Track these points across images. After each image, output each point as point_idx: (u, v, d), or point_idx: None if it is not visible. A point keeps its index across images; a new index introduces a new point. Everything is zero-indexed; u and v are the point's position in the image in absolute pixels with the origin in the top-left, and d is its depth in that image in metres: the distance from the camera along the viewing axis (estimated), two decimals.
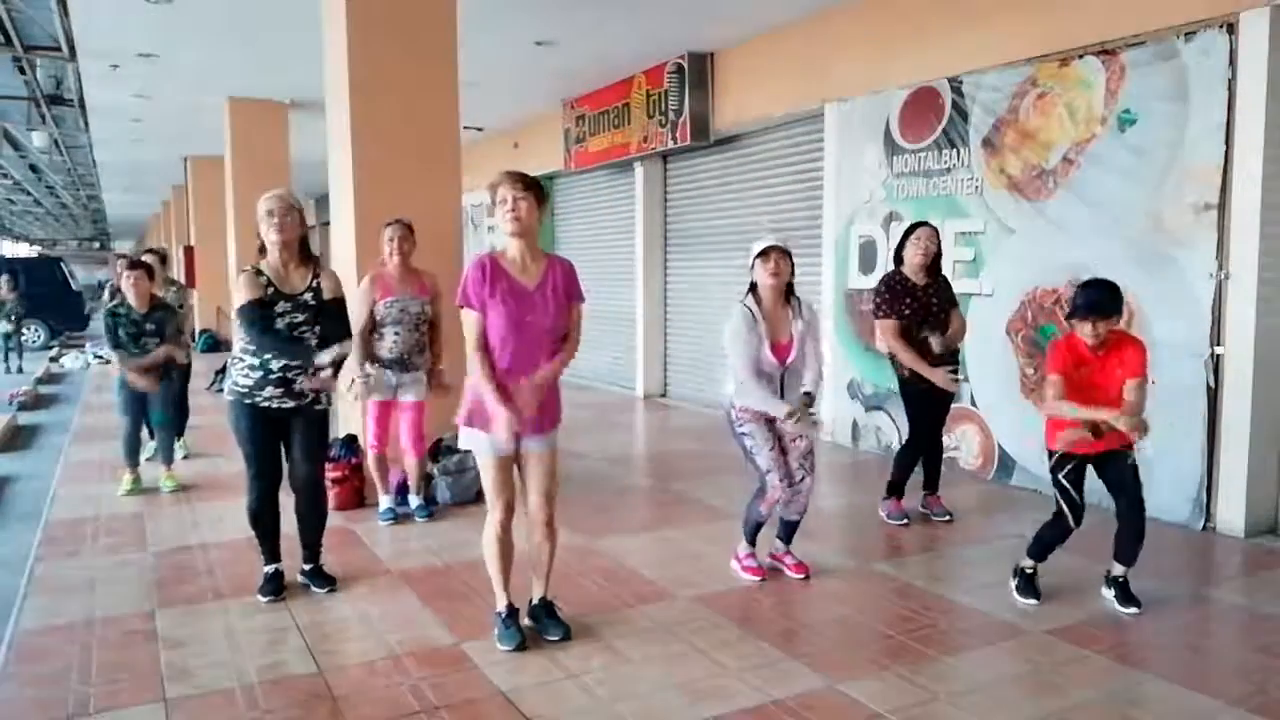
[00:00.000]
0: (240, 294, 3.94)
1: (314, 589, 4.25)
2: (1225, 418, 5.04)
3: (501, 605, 3.65)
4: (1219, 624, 3.97)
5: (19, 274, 17.46)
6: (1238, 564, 4.73)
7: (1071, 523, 4.00)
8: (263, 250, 4.03)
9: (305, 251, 4.08)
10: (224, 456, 7.17)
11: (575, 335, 3.59)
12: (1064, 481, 3.96)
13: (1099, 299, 3.77)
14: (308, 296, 4.02)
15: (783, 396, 4.17)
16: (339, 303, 4.14)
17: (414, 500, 5.47)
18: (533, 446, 3.57)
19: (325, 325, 4.05)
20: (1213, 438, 5.10)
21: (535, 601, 3.75)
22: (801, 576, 4.38)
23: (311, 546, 4.31)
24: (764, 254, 4.14)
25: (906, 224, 5.41)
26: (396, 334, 5.10)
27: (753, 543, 4.42)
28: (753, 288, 4.21)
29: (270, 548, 4.22)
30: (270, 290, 3.95)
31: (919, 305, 5.06)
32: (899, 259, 5.18)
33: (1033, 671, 3.41)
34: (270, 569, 4.21)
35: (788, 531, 4.43)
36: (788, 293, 4.20)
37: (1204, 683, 3.30)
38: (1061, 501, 3.99)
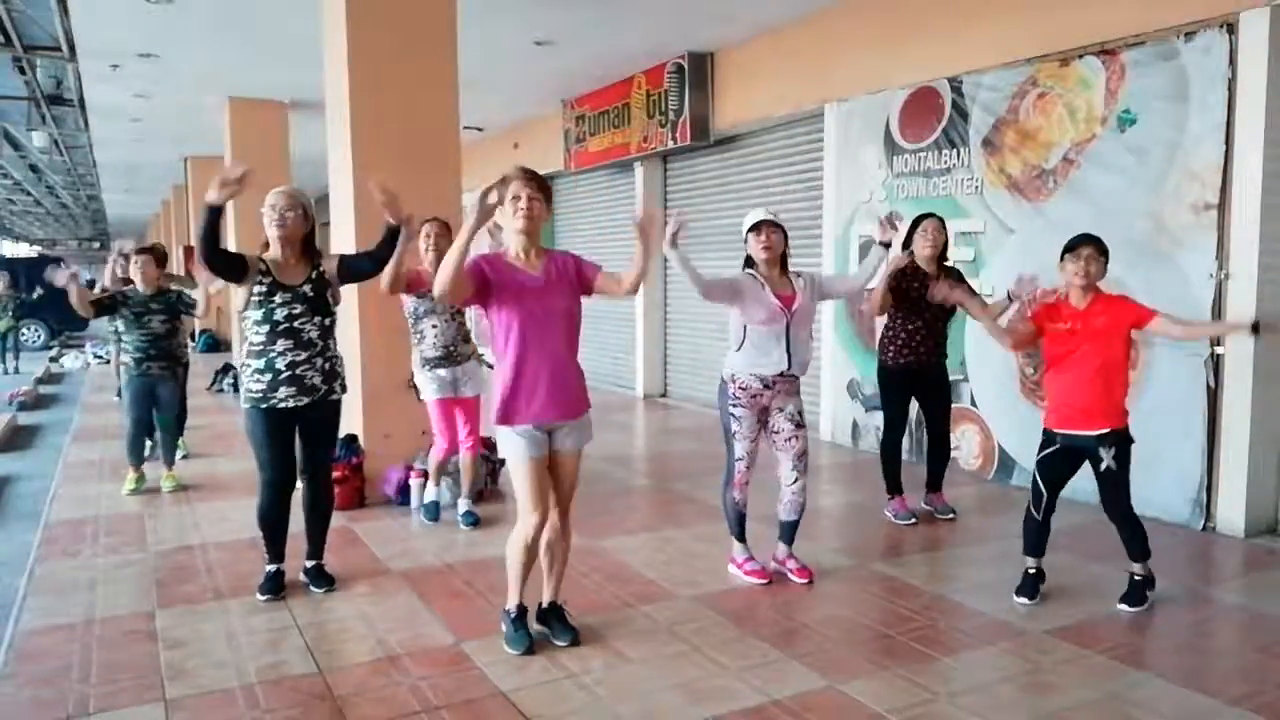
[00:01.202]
0: None
1: (313, 588, 4.25)
2: (1225, 418, 5.04)
3: (513, 604, 3.62)
4: (1219, 624, 3.97)
5: (19, 273, 17.48)
6: (1238, 564, 4.73)
7: (1034, 510, 4.03)
8: (268, 245, 4.04)
9: (308, 249, 4.09)
10: (224, 456, 7.17)
11: (628, 274, 3.48)
12: (1035, 468, 4.03)
13: (1089, 236, 3.89)
14: (306, 288, 4.03)
15: (790, 353, 4.13)
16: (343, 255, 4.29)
17: (463, 504, 5.40)
18: (566, 446, 3.54)
19: (363, 260, 4.19)
20: (1213, 438, 5.10)
21: (545, 605, 3.73)
22: (805, 582, 4.33)
23: (316, 542, 4.32)
24: (756, 227, 4.17)
25: (907, 224, 5.41)
26: (435, 326, 5.14)
27: (742, 539, 4.37)
28: (749, 261, 4.23)
29: (276, 549, 4.22)
30: (269, 280, 3.95)
31: (925, 291, 5.06)
32: (907, 253, 5.19)
33: (1033, 671, 3.41)
34: (272, 568, 4.22)
35: (789, 533, 4.39)
36: (784, 266, 4.22)
37: (1204, 683, 3.30)
38: (1030, 486, 4.05)
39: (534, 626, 3.69)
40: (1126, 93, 5.37)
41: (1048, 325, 3.96)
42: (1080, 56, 5.60)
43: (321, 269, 4.10)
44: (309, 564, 4.32)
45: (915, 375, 5.23)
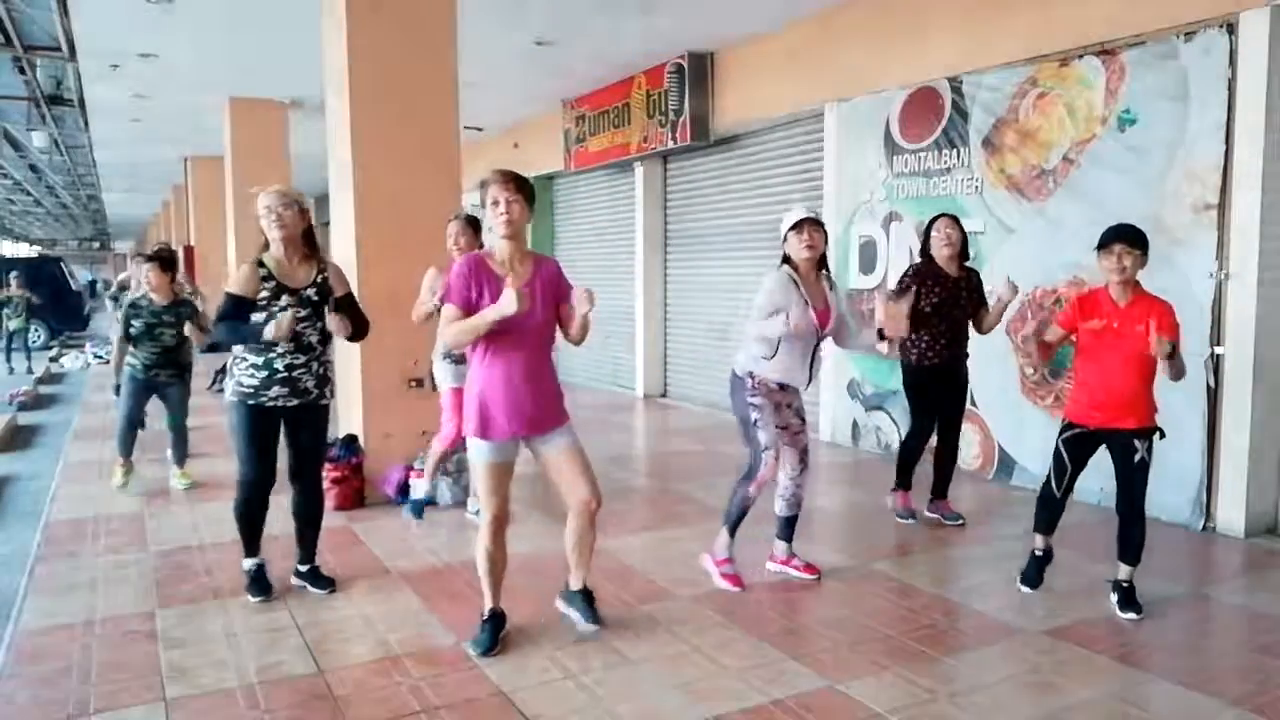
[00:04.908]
0: (231, 284, 3.96)
1: (312, 590, 4.24)
2: (1225, 418, 5.05)
3: (486, 608, 3.62)
4: (1219, 624, 3.98)
5: (23, 273, 17.46)
6: (1238, 564, 4.73)
7: (1054, 486, 4.02)
8: (268, 245, 4.03)
9: (310, 245, 4.08)
10: (224, 457, 7.16)
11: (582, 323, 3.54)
12: (1060, 444, 4.00)
13: (1125, 228, 3.82)
14: (311, 292, 4.02)
15: (811, 371, 4.09)
16: (352, 296, 4.22)
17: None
18: (547, 445, 3.54)
19: (353, 320, 4.15)
20: (1213, 438, 5.10)
21: (575, 589, 3.72)
22: (814, 578, 4.30)
23: (309, 546, 4.30)
24: (798, 226, 4.05)
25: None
26: None
27: (733, 535, 4.27)
28: (785, 259, 4.12)
29: (253, 543, 4.19)
30: (272, 284, 3.94)
31: (947, 294, 5.02)
32: (927, 255, 5.13)
33: (1033, 671, 3.41)
34: (252, 565, 4.18)
35: (787, 529, 4.38)
36: (822, 264, 4.13)
37: (1204, 683, 3.30)
38: (1052, 462, 4.03)
39: (560, 608, 3.73)
40: (1126, 93, 5.37)
41: (1081, 324, 3.91)
42: (1080, 56, 5.60)
43: (326, 275, 4.10)
44: (303, 568, 4.30)
45: (940, 376, 5.15)
